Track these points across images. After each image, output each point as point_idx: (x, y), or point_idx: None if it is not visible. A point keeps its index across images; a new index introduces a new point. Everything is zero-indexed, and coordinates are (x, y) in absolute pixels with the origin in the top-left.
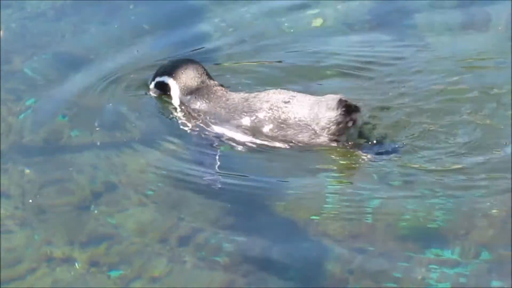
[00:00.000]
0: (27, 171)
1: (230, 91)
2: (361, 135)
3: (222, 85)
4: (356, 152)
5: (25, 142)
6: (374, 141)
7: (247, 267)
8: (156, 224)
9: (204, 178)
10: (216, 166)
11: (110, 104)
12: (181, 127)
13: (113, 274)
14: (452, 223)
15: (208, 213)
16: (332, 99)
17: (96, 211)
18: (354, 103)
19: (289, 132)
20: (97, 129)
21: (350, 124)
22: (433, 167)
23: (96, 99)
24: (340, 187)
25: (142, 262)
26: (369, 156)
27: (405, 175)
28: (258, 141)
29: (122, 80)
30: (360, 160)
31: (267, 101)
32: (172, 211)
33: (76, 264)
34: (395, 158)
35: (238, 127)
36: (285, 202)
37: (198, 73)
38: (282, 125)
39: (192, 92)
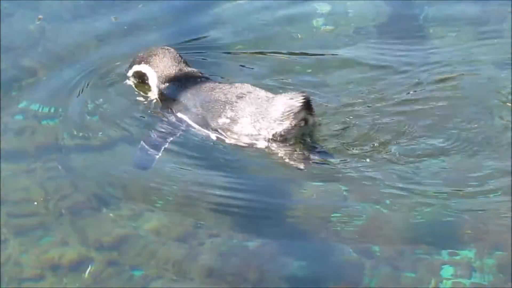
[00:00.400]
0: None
1: (208, 79)
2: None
3: (201, 73)
4: (296, 159)
5: (29, 142)
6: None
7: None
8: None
9: (137, 161)
10: (157, 154)
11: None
12: (155, 114)
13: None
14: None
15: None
16: (291, 93)
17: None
18: (313, 102)
19: (235, 129)
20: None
21: (302, 124)
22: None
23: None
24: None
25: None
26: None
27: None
28: (212, 134)
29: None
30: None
31: (225, 94)
32: None
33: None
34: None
35: (198, 116)
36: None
37: (176, 61)
38: (230, 121)
39: (170, 80)
